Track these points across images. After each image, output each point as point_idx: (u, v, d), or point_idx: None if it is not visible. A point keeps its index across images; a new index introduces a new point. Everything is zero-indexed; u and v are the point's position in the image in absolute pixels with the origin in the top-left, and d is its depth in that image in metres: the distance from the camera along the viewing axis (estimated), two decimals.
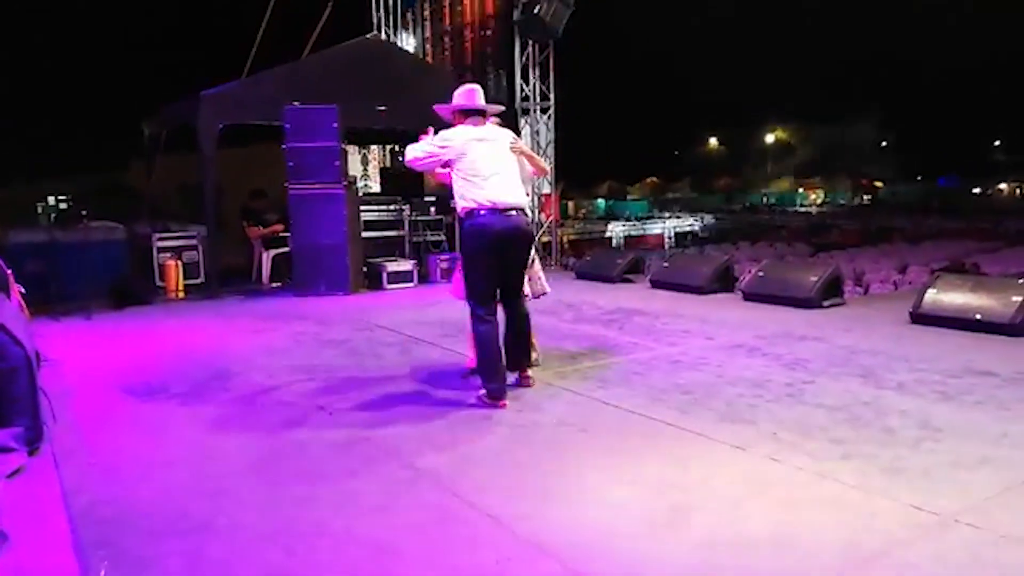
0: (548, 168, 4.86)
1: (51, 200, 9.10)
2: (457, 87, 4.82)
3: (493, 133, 4.66)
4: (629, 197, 48.43)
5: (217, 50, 13.74)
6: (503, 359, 4.50)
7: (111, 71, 18.77)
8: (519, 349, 4.71)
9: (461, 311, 6.33)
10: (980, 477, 3.17)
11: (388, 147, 14.34)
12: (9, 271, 5.65)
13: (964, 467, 3.27)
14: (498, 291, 4.56)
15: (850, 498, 3.00)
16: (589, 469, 3.40)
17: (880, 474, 3.21)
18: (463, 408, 4.37)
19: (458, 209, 4.57)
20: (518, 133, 11.79)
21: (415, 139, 4.89)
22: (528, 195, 4.99)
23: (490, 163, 4.49)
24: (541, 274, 5.20)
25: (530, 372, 4.82)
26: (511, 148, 4.62)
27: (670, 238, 25.48)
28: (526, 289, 4.82)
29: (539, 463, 3.49)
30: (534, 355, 5.00)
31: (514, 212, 4.45)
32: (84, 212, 8.74)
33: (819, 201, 52.01)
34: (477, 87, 4.78)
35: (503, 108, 5.02)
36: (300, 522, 2.90)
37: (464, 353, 5.32)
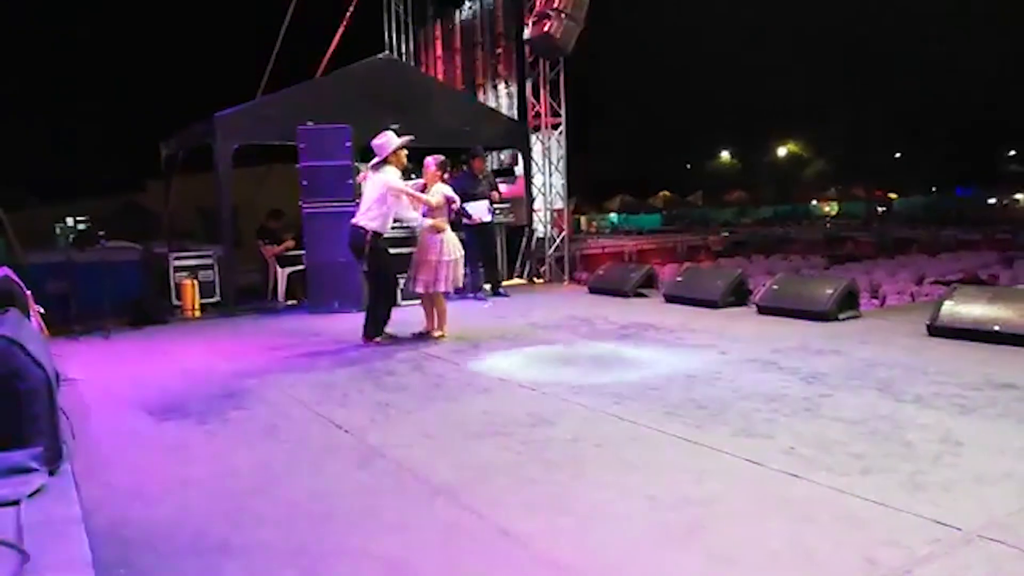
0: (425, 201, 6.84)
1: (69, 221, 9.24)
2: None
3: (375, 172, 6.74)
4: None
5: (231, 71, 13.91)
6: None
7: (128, 94, 19.04)
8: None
9: (472, 327, 6.35)
10: (1002, 491, 3.13)
11: None
12: (28, 291, 5.72)
13: (986, 481, 3.23)
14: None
15: (869, 514, 2.97)
16: (604, 485, 3.38)
17: (900, 489, 3.18)
18: (477, 423, 4.37)
19: None
20: (528, 150, 11.88)
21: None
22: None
23: (364, 194, 6.85)
24: (442, 275, 6.84)
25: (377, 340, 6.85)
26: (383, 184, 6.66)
27: None
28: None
29: (554, 478, 3.48)
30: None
31: (356, 228, 6.70)
32: (102, 233, 8.84)
33: (833, 213, 51.71)
34: (383, 135, 6.79)
35: (383, 155, 6.73)
36: (317, 541, 2.90)
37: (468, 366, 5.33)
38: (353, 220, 6.76)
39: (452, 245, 6.89)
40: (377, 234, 6.68)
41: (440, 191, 6.86)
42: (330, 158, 8.93)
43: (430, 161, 6.98)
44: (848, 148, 48.34)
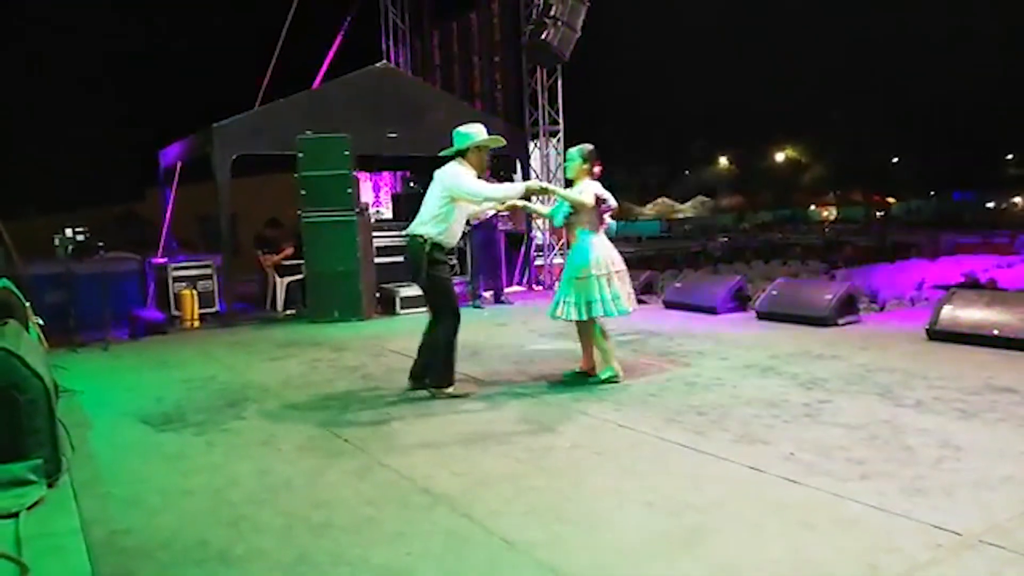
0: (483, 200, 5.43)
1: (68, 232, 9.24)
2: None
3: (438, 174, 5.32)
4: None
5: (230, 82, 13.95)
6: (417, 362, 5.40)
7: (126, 103, 19.06)
8: (423, 360, 5.33)
9: (473, 335, 6.34)
10: (1003, 496, 3.13)
11: (399, 173, 14.47)
12: (27, 303, 5.73)
13: (986, 486, 3.23)
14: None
15: (870, 519, 2.96)
16: (605, 492, 3.38)
17: (900, 494, 3.17)
18: (478, 432, 4.36)
19: None
20: (527, 158, 11.90)
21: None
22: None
23: (426, 195, 5.36)
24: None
25: (428, 390, 5.24)
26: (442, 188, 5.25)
27: None
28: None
29: (555, 487, 3.48)
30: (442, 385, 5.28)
31: (412, 238, 5.26)
32: (101, 243, 8.86)
33: (832, 218, 51.81)
34: (470, 125, 5.35)
35: (454, 150, 5.35)
36: (317, 550, 2.90)
37: (468, 374, 5.33)
38: (410, 227, 5.33)
39: (607, 256, 5.34)
40: (437, 245, 5.21)
41: (589, 189, 5.34)
42: (329, 167, 8.94)
43: (574, 151, 5.49)
44: (846, 152, 48.45)
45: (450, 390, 5.21)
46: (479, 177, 5.32)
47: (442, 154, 5.45)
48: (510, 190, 5.37)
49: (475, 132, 5.31)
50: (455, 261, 5.20)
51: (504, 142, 5.51)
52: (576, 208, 5.33)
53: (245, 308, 10.16)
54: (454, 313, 5.24)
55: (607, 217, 5.49)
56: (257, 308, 10.29)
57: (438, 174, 5.32)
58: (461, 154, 5.31)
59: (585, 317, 5.27)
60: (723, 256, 22.25)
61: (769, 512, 3.07)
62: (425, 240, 5.17)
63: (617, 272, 5.32)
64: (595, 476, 3.60)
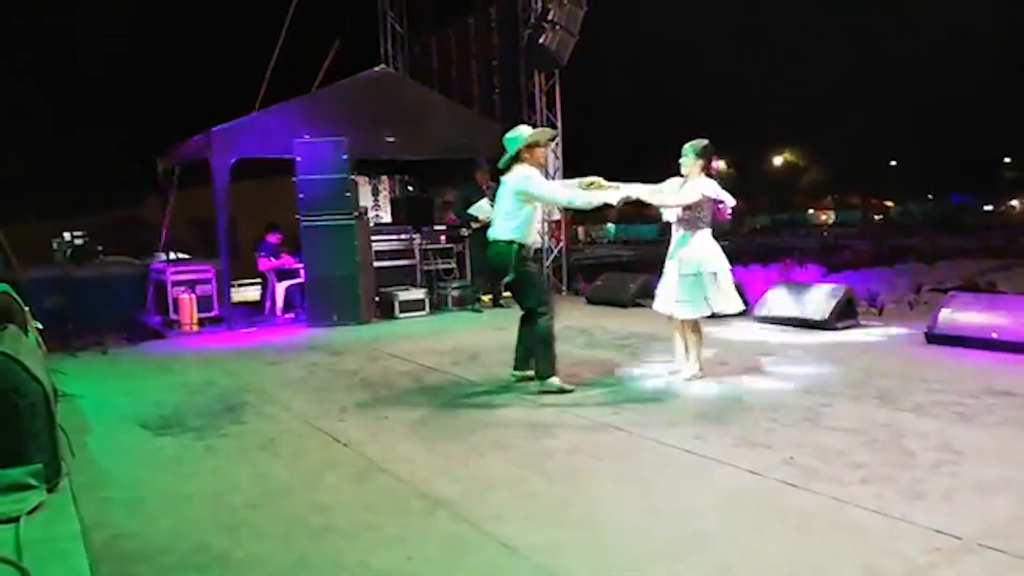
0: (566, 208, 5.24)
1: (67, 236, 9.24)
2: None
3: (506, 181, 5.50)
4: None
5: (228, 86, 13.96)
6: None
7: (125, 108, 19.05)
8: (526, 354, 5.55)
9: (472, 338, 6.34)
10: (1002, 499, 3.13)
11: (398, 177, 14.48)
12: (26, 308, 5.72)
13: (985, 489, 3.23)
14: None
15: (869, 523, 2.96)
16: (604, 496, 3.38)
17: (900, 498, 3.18)
18: (477, 436, 4.36)
19: None
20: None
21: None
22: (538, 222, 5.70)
23: (497, 203, 5.60)
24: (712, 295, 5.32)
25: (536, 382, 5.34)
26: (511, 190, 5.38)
27: None
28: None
29: (554, 491, 3.48)
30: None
31: (495, 244, 5.46)
32: (100, 248, 8.85)
33: (830, 222, 51.87)
34: (514, 129, 5.54)
35: (509, 156, 5.49)
36: (316, 555, 2.90)
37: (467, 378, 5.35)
38: (490, 234, 5.54)
39: (708, 256, 5.34)
40: (522, 246, 5.41)
41: (695, 188, 5.27)
42: (327, 171, 8.95)
43: (688, 147, 5.42)
44: (844, 156, 48.49)
45: (555, 381, 5.29)
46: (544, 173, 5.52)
47: (501, 165, 5.58)
48: (592, 198, 5.40)
49: (521, 132, 5.50)
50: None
51: (553, 132, 5.51)
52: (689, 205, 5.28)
53: (244, 312, 10.15)
54: (547, 304, 5.44)
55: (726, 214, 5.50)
56: (256, 312, 10.29)
57: (506, 181, 5.49)
58: (516, 159, 5.44)
59: (686, 316, 5.39)
60: None
61: (769, 516, 3.08)
62: (511, 243, 5.37)
63: (712, 272, 5.32)
64: (594, 480, 3.60)
